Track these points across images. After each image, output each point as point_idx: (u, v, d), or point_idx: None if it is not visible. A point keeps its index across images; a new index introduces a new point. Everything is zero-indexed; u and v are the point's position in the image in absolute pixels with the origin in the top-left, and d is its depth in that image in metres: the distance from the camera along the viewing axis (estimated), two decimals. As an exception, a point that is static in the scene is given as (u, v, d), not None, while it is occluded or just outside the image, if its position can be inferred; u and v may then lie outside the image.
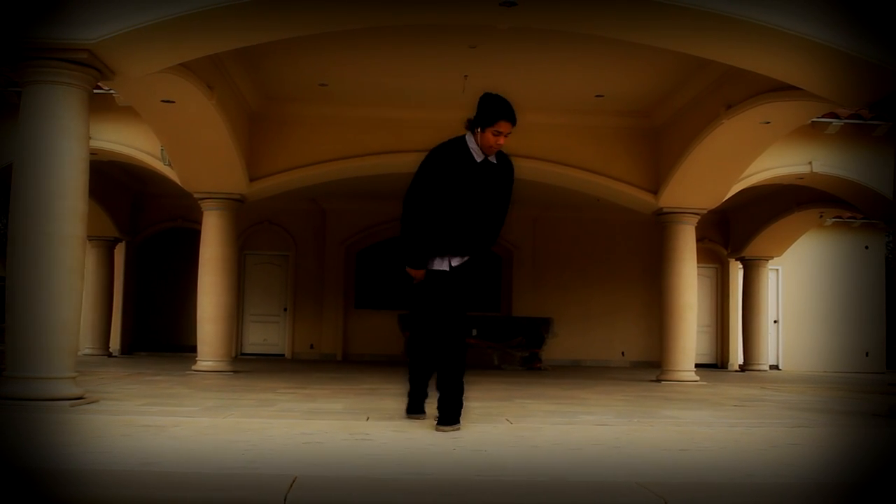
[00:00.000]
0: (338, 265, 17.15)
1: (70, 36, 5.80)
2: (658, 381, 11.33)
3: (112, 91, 9.86)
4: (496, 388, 8.95)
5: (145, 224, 16.87)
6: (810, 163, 11.73)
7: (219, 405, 6.18)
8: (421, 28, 8.34)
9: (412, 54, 9.54)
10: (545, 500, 3.06)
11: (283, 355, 17.01)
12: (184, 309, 17.09)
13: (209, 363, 10.81)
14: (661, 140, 11.72)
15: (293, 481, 3.16)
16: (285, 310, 17.23)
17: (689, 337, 11.45)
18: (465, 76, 10.01)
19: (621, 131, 11.82)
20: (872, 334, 17.77)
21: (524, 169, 9.56)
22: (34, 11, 5.78)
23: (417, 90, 10.83)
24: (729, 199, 12.52)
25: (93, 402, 6.03)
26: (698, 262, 12.08)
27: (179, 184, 11.12)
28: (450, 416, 4.81)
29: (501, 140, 4.90)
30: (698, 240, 12.27)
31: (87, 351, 15.02)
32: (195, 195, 11.15)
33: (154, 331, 17.87)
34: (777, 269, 17.81)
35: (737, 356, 17.50)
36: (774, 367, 17.57)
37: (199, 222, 11.36)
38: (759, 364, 16.28)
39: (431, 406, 5.15)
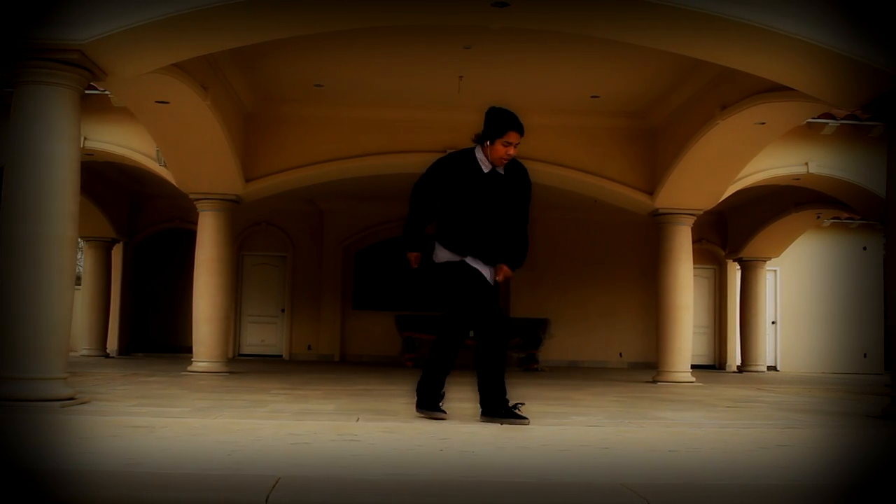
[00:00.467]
0: (335, 266, 17.14)
1: (61, 36, 5.78)
2: (654, 382, 11.32)
3: (108, 92, 9.86)
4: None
5: (143, 225, 16.86)
6: (806, 163, 11.72)
7: (210, 406, 6.17)
8: (416, 29, 8.34)
9: (407, 55, 9.54)
10: (527, 501, 3.05)
11: (280, 356, 17.01)
12: (182, 310, 17.07)
13: (204, 364, 10.81)
14: (656, 141, 11.71)
15: (276, 482, 3.15)
16: (283, 311, 17.23)
17: (685, 338, 11.44)
18: (461, 77, 10.02)
19: (617, 132, 11.81)
20: (871, 335, 17.74)
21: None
22: (25, 12, 5.77)
23: (412, 91, 10.83)
24: (726, 199, 12.51)
25: (84, 403, 6.03)
26: (696, 263, 12.08)
27: (175, 184, 11.12)
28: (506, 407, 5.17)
29: (512, 151, 5.20)
30: (696, 241, 12.27)
31: (85, 352, 15.04)
32: (191, 196, 11.16)
33: (152, 332, 17.87)
34: (775, 270, 17.80)
35: (735, 357, 17.49)
36: (772, 369, 17.56)
37: (197, 223, 11.36)
38: (756, 365, 16.26)
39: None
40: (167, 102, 8.69)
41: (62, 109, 5.91)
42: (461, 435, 4.67)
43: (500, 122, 5.15)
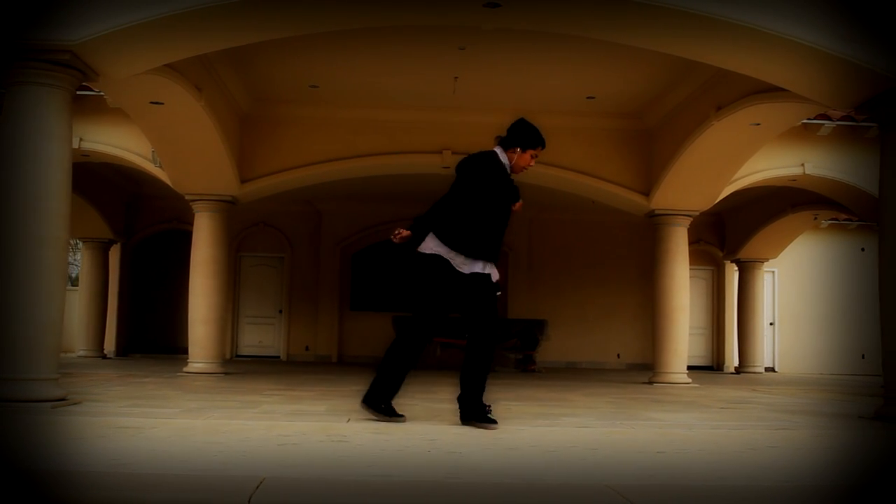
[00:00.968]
0: (333, 267, 17.14)
1: (52, 37, 5.77)
2: (650, 383, 11.31)
3: (103, 93, 9.86)
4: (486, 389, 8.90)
5: (140, 226, 16.85)
6: (803, 164, 11.71)
7: (201, 407, 6.16)
8: (410, 30, 8.34)
9: (402, 56, 9.53)
10: (511, 502, 3.04)
11: (278, 357, 17.00)
12: (179, 311, 17.03)
13: (200, 365, 10.81)
14: (652, 141, 11.70)
15: (260, 482, 3.15)
16: (280, 312, 17.22)
17: (682, 339, 11.43)
18: (456, 78, 10.01)
19: (612, 133, 11.80)
20: (869, 336, 17.67)
21: (515, 171, 9.55)
22: (16, 12, 5.76)
23: (408, 92, 10.82)
24: (724, 200, 12.50)
25: (75, 404, 6.02)
26: (694, 264, 12.08)
27: (170, 185, 11.12)
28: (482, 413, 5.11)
29: (533, 163, 5.35)
30: (693, 242, 12.27)
31: (82, 353, 15.04)
32: (186, 197, 11.15)
33: (149, 332, 17.85)
34: (773, 272, 17.78)
35: (732, 358, 17.47)
36: (770, 370, 17.53)
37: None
38: (754, 366, 16.24)
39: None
40: (162, 103, 8.69)
41: (54, 110, 5.90)
42: (450, 436, 4.67)
43: (535, 135, 5.29)
